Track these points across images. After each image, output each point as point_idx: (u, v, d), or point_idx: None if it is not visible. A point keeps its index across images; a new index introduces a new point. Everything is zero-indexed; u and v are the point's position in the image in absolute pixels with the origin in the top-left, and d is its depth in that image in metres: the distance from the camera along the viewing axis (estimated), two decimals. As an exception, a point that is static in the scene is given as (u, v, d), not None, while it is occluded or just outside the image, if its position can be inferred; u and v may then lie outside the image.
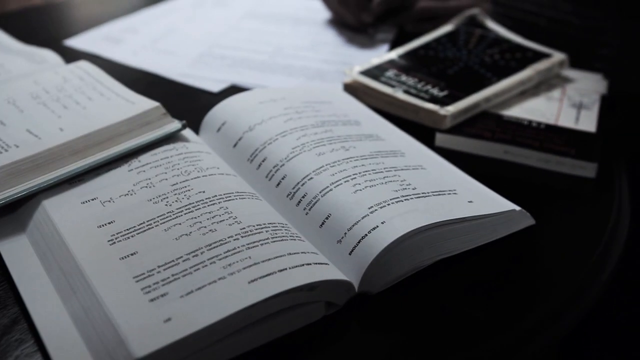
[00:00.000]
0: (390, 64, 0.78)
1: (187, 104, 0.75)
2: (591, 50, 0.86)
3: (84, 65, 0.72)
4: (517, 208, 0.55)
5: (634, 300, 0.86)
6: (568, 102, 0.75)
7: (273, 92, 0.68)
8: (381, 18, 0.94)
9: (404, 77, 0.75)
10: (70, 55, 0.82)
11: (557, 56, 0.80)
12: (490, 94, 0.72)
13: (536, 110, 0.73)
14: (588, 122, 0.71)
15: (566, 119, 0.71)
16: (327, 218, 0.51)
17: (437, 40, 0.84)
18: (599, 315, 0.82)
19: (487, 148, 0.67)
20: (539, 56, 0.79)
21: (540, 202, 0.62)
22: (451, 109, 0.69)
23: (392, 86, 0.73)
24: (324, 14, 0.99)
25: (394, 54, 0.81)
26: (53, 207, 0.52)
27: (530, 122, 0.70)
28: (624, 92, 0.86)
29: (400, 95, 0.72)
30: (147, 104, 0.63)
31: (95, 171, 0.56)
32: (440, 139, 0.68)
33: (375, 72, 0.76)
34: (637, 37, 0.86)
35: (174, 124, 0.61)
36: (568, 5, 0.89)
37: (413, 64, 0.79)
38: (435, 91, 0.73)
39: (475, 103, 0.71)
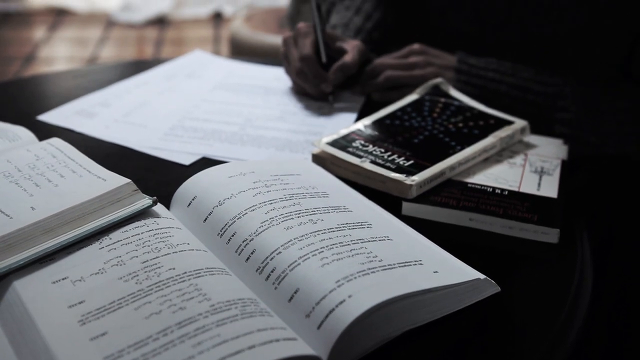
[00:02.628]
0: (357, 134, 0.81)
1: (159, 178, 0.76)
2: (551, 115, 0.89)
3: (56, 142, 0.73)
4: (482, 276, 0.56)
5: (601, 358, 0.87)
6: (530, 167, 0.77)
7: (242, 166, 0.70)
8: (341, 86, 0.97)
9: (370, 147, 0.78)
10: (43, 131, 0.83)
11: (519, 123, 0.82)
12: (455, 162, 0.74)
13: (499, 176, 0.75)
14: (550, 188, 0.73)
15: (528, 185, 0.73)
16: (295, 292, 0.52)
17: (403, 109, 0.87)
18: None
19: (453, 216, 0.69)
20: (501, 123, 0.82)
21: (504, 268, 0.64)
22: (416, 178, 0.71)
23: (359, 157, 0.75)
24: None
25: (361, 124, 0.83)
26: (24, 287, 0.53)
27: (494, 189, 0.72)
28: (583, 155, 0.89)
29: (367, 165, 0.74)
30: (118, 180, 0.64)
31: (67, 249, 0.57)
32: (407, 207, 0.70)
33: (342, 143, 0.78)
34: (593, 101, 0.90)
35: (145, 200, 0.62)
36: (528, 72, 0.92)
37: (379, 133, 0.81)
38: (401, 161, 0.75)
39: (440, 172, 0.73)
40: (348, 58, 0.94)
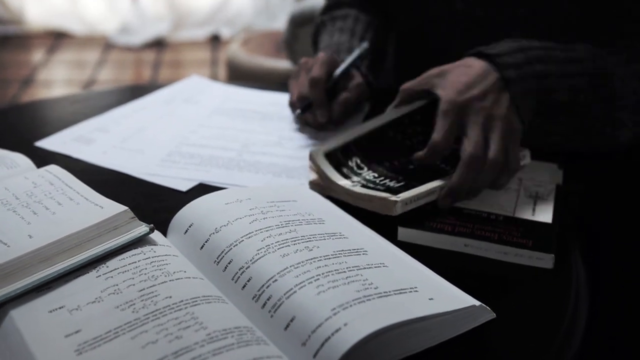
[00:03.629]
0: (357, 146, 0.81)
1: (156, 204, 0.77)
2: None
3: (53, 169, 0.73)
4: (477, 303, 0.57)
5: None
6: (525, 192, 0.78)
7: (239, 193, 0.70)
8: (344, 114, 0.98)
9: (365, 171, 0.78)
10: (42, 157, 0.84)
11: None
12: (443, 183, 0.75)
13: (494, 202, 0.76)
14: (544, 213, 0.73)
15: (523, 210, 0.74)
16: (291, 320, 0.52)
17: (411, 117, 0.85)
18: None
19: (448, 242, 0.69)
20: None
21: (500, 293, 0.64)
22: (401, 195, 0.71)
23: (352, 180, 0.76)
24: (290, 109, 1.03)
25: (364, 130, 0.83)
26: (20, 317, 0.53)
27: (488, 214, 0.73)
28: (578, 180, 0.89)
29: (357, 189, 0.74)
30: (115, 208, 0.64)
31: (64, 278, 0.57)
32: (403, 233, 0.70)
33: (339, 158, 0.79)
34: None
35: (142, 228, 0.63)
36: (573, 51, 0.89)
37: (378, 151, 0.81)
38: (392, 184, 0.75)
39: (426, 191, 0.73)
40: (352, 94, 0.95)
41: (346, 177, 0.77)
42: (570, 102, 0.82)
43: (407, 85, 0.84)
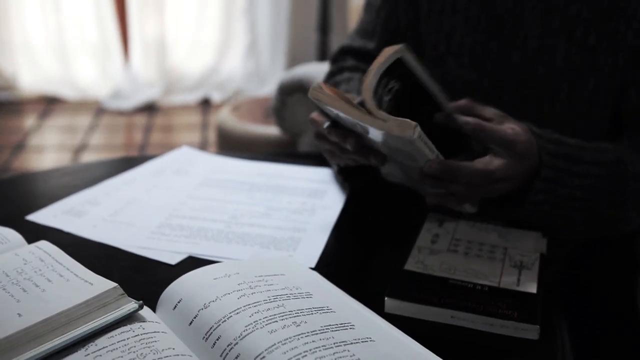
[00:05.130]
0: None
1: (146, 278, 0.78)
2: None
3: (44, 245, 0.74)
4: (463, 377, 0.57)
5: None
6: (509, 262, 0.79)
7: (227, 267, 0.71)
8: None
9: None
10: (32, 232, 0.84)
11: None
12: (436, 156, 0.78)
13: (480, 271, 0.77)
14: (529, 283, 0.75)
15: (508, 280, 0.75)
16: (279, 398, 0.52)
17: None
18: None
19: (435, 313, 0.70)
20: None
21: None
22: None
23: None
24: (278, 179, 1.04)
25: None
26: (9, 398, 0.53)
27: (474, 284, 0.74)
28: (562, 244, 0.91)
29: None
30: (105, 285, 0.65)
31: (53, 357, 0.58)
32: (390, 305, 0.71)
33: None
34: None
35: (131, 305, 0.63)
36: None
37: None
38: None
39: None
40: None
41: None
42: (584, 199, 0.86)
43: (462, 120, 0.83)
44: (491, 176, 0.79)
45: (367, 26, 1.15)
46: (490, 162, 0.80)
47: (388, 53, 0.80)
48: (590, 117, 0.97)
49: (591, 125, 0.98)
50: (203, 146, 3.31)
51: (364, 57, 1.13)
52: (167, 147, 3.16)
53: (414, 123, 0.73)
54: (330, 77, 1.18)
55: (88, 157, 3.17)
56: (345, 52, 1.18)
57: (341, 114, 0.77)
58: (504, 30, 0.98)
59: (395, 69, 0.81)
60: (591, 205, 0.87)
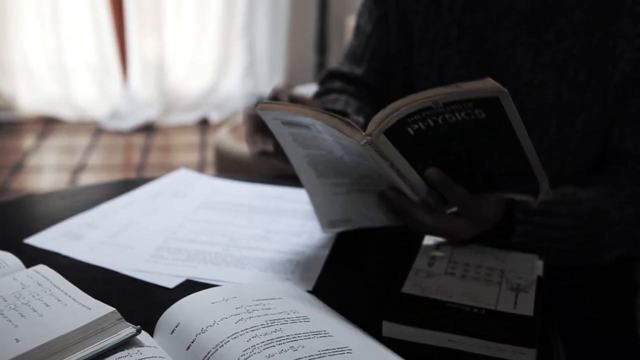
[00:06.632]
0: None
1: (144, 302, 0.78)
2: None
3: (42, 269, 0.74)
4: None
5: None
6: (506, 285, 0.79)
7: (225, 291, 0.71)
8: None
9: None
10: (30, 255, 0.84)
11: None
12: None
13: (477, 294, 0.77)
14: (526, 305, 0.75)
15: (505, 303, 0.75)
16: None
17: None
18: None
19: (432, 337, 0.70)
20: None
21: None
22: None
23: None
24: (277, 202, 1.05)
25: None
26: None
27: (471, 308, 0.74)
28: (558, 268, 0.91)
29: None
30: (103, 309, 0.65)
31: (50, 383, 0.58)
32: (387, 329, 0.71)
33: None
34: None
35: (129, 330, 0.63)
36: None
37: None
38: None
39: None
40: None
41: None
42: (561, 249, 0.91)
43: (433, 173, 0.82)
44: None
45: (356, 50, 1.16)
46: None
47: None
48: (579, 152, 0.98)
49: (580, 160, 0.99)
50: (201, 166, 3.32)
51: (351, 82, 1.14)
52: (166, 167, 3.18)
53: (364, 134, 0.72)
54: (316, 98, 1.19)
55: (86, 178, 3.17)
56: (333, 75, 1.19)
57: (297, 117, 0.77)
58: (495, 64, 0.99)
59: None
60: (570, 251, 0.92)
